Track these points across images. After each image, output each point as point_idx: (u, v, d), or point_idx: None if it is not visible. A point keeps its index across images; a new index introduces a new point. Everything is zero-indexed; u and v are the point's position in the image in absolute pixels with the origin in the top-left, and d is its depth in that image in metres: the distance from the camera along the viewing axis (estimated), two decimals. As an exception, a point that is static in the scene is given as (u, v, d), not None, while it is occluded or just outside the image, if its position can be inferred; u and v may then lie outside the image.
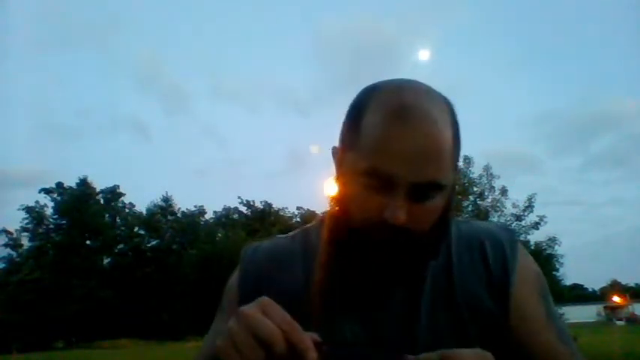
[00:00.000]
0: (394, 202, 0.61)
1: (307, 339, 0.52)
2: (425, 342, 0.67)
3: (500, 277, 0.72)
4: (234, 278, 0.82)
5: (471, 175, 16.31)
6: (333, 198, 0.73)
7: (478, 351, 0.53)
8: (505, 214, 15.91)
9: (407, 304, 0.70)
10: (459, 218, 0.81)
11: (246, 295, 0.73)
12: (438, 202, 0.64)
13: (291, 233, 0.85)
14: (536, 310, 0.72)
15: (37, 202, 43.10)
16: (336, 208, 0.71)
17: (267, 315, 0.52)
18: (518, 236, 0.81)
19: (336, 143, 0.74)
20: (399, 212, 0.60)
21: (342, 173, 0.70)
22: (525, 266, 0.74)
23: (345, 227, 0.67)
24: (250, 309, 0.53)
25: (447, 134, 0.64)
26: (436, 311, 0.70)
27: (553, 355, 0.69)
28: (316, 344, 0.52)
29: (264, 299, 0.55)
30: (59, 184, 43.69)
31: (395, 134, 0.61)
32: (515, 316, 0.70)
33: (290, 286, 0.74)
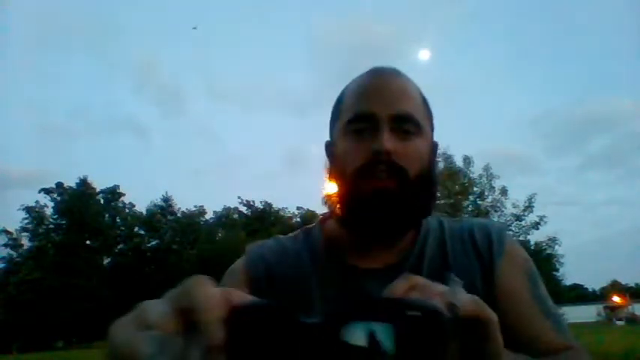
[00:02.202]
0: (380, 135, 0.69)
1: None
2: None
3: (487, 259, 0.77)
4: (238, 263, 0.82)
5: (471, 175, 16.27)
6: (330, 178, 0.78)
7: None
8: (505, 214, 15.89)
9: None
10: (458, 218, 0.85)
11: (257, 278, 0.78)
12: (419, 144, 0.73)
13: (291, 234, 0.87)
14: (520, 289, 0.75)
15: (37, 202, 43.14)
16: (335, 191, 0.76)
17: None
18: (509, 229, 0.83)
19: None
20: (386, 140, 0.69)
21: (332, 150, 0.79)
22: (512, 249, 0.79)
23: (345, 180, 0.73)
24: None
25: (415, 88, 0.78)
26: None
27: (538, 328, 0.72)
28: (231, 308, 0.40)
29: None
30: (59, 184, 43.66)
31: (370, 84, 0.75)
32: (500, 295, 0.74)
33: (298, 277, 0.77)
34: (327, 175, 0.80)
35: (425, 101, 0.79)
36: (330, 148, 0.81)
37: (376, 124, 0.71)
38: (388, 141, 0.69)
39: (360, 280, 0.75)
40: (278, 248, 0.83)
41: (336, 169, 0.77)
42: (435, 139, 0.81)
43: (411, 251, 0.78)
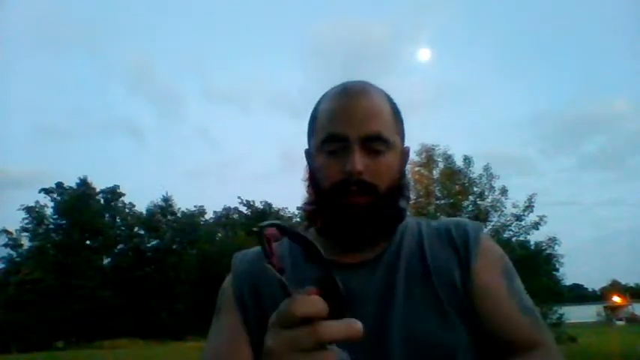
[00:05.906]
0: (352, 157, 0.75)
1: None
2: (401, 317, 0.74)
3: (463, 254, 0.80)
4: (227, 280, 0.88)
5: (470, 175, 16.24)
6: (307, 187, 0.85)
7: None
8: (505, 214, 15.85)
9: (383, 284, 0.78)
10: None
11: (242, 294, 0.83)
12: (389, 158, 0.79)
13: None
14: (496, 284, 0.78)
15: (37, 202, 42.96)
16: (310, 194, 0.83)
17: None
18: (484, 227, 0.89)
19: None
20: (356, 162, 0.74)
21: (310, 161, 0.85)
22: (488, 247, 0.82)
23: (320, 195, 0.79)
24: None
25: (384, 103, 0.82)
26: (411, 288, 0.77)
27: (515, 325, 0.74)
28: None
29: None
30: (59, 184, 43.58)
31: (341, 104, 0.79)
32: (477, 289, 0.76)
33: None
34: (306, 184, 0.86)
35: (394, 110, 0.84)
36: (308, 157, 0.87)
37: (348, 145, 0.76)
38: (359, 162, 0.74)
39: (336, 273, 0.78)
40: (261, 256, 0.87)
41: (312, 183, 0.83)
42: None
43: (388, 248, 0.82)
